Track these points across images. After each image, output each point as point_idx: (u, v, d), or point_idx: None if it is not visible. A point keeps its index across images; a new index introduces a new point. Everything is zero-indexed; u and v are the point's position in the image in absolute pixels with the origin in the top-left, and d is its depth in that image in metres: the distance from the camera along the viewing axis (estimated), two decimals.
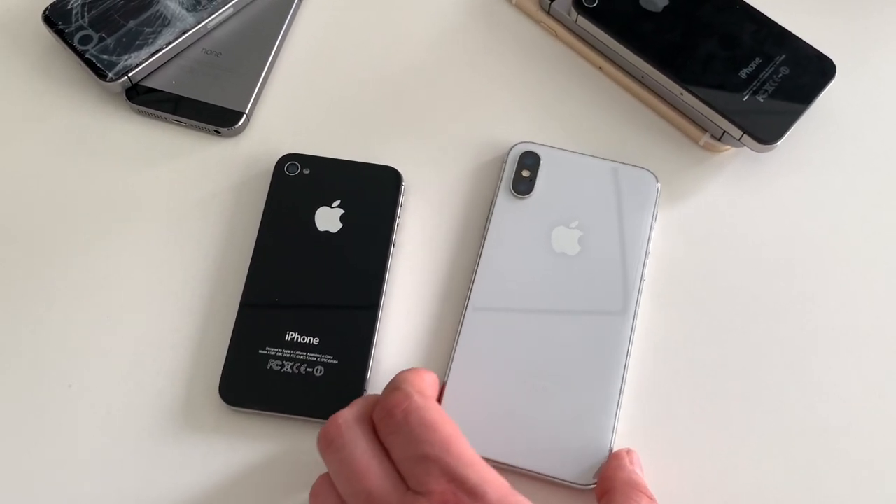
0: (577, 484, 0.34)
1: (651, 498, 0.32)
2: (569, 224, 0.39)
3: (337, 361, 0.36)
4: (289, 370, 0.36)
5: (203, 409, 0.36)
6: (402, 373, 0.32)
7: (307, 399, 0.36)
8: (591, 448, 0.34)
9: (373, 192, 0.40)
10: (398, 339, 0.38)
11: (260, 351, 0.36)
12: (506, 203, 0.39)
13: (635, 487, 0.32)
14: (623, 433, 0.36)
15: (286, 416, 0.36)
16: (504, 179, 0.40)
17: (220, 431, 0.36)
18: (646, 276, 0.38)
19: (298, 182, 0.40)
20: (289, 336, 0.37)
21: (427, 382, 0.32)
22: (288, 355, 0.36)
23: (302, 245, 0.39)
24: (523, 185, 0.40)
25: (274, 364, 0.36)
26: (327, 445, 0.30)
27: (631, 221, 0.39)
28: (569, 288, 0.37)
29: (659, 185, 0.40)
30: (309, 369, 0.36)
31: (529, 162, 0.40)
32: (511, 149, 0.41)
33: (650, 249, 0.39)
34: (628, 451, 0.34)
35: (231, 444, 0.36)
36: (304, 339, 0.37)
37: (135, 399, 0.37)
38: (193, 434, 0.36)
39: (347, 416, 0.31)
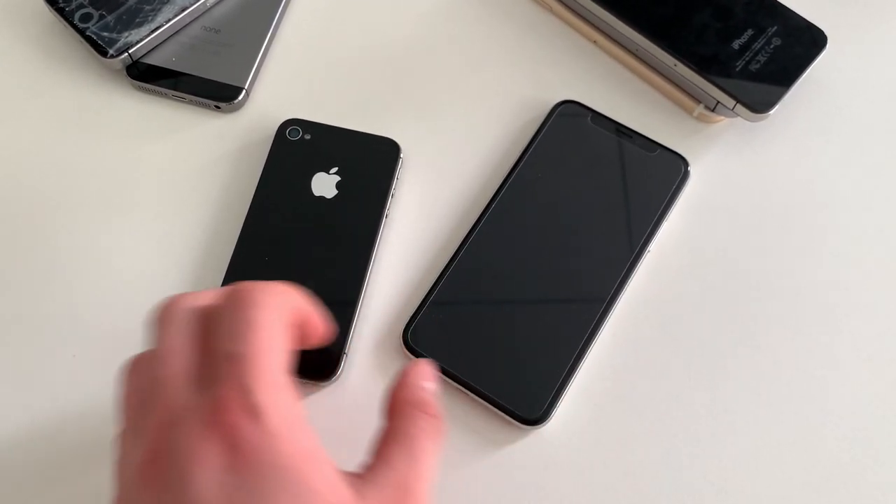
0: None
1: (435, 416, 0.30)
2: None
3: None
4: None
5: None
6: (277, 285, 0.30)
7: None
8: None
9: (370, 162, 0.40)
10: (382, 306, 0.39)
11: None
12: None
13: (417, 406, 0.30)
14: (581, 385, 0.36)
15: None
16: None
17: None
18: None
19: (298, 147, 0.41)
20: None
21: (291, 301, 0.30)
22: None
23: (296, 208, 0.39)
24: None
25: None
26: (155, 320, 0.29)
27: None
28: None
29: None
30: None
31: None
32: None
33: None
34: (417, 364, 0.32)
35: None
36: None
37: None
38: None
39: (189, 301, 0.29)
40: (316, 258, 0.38)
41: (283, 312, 0.28)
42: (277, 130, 0.41)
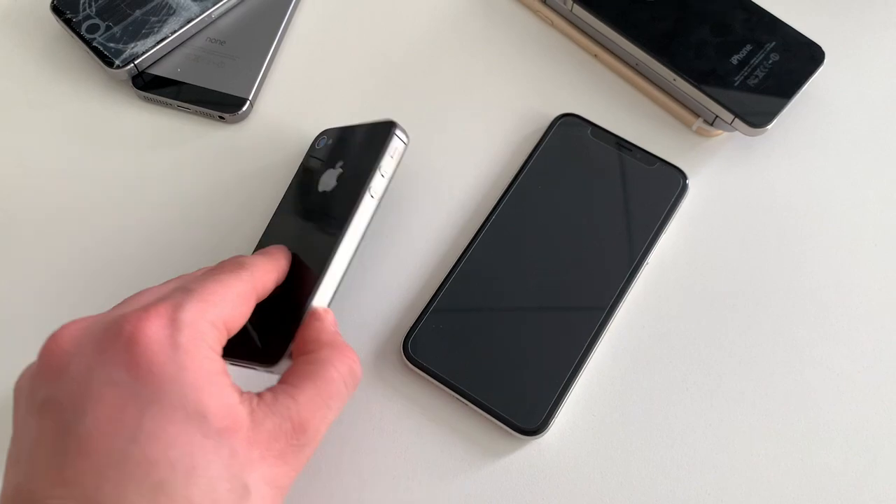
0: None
1: (356, 361, 0.31)
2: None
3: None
4: None
5: None
6: (270, 258, 0.33)
7: (246, 344, 0.33)
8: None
9: (368, 148, 0.38)
10: (381, 316, 0.39)
11: None
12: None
13: (337, 349, 0.31)
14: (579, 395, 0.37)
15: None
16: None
17: None
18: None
19: (321, 153, 0.41)
20: None
21: (274, 275, 0.32)
22: None
23: (301, 207, 0.39)
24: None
25: None
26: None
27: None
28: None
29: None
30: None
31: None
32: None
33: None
34: (327, 311, 0.33)
35: None
36: None
37: None
38: None
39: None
40: (303, 244, 0.36)
41: (251, 287, 0.30)
42: (313, 142, 0.42)
